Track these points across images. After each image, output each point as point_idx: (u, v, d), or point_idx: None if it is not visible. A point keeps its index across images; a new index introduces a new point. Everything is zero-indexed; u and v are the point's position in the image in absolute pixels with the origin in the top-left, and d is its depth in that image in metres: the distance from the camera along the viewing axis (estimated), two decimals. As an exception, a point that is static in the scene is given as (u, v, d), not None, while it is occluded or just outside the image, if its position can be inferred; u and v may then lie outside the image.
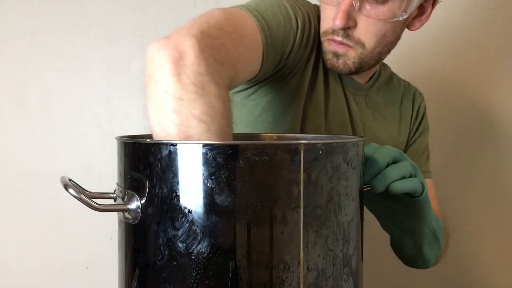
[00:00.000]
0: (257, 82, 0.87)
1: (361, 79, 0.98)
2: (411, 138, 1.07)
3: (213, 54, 0.63)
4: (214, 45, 0.64)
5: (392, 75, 1.07)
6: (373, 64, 0.92)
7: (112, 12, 1.34)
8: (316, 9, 0.90)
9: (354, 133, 0.98)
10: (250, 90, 0.89)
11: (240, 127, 0.91)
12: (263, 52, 0.77)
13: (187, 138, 0.58)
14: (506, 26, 1.45)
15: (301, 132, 0.91)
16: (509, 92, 1.47)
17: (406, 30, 0.94)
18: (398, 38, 0.91)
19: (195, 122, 0.58)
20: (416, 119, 1.07)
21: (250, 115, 0.91)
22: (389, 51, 0.93)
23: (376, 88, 1.02)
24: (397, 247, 0.88)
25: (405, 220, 0.76)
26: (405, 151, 1.06)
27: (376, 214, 0.80)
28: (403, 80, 1.09)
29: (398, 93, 1.05)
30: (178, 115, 0.58)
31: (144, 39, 1.35)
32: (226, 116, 0.61)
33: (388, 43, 0.89)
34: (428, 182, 1.05)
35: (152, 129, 0.61)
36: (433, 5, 0.92)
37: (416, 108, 1.07)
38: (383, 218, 0.81)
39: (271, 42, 0.78)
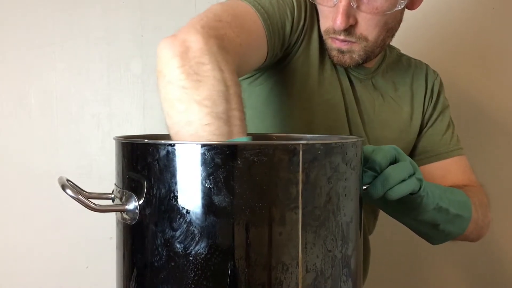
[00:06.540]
0: (265, 66, 0.88)
1: (367, 63, 0.97)
2: (430, 118, 1.04)
3: (217, 43, 0.67)
4: (216, 35, 0.69)
5: (400, 56, 1.06)
6: (379, 51, 0.93)
7: (112, 12, 1.34)
8: None
9: (361, 115, 0.97)
10: (257, 75, 0.91)
11: (249, 112, 0.91)
12: (266, 35, 0.81)
13: (189, 123, 0.61)
14: (506, 26, 1.45)
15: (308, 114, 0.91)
16: (509, 92, 1.47)
17: (408, 18, 0.94)
18: (399, 21, 0.92)
19: (196, 107, 0.61)
20: (431, 97, 1.04)
21: (258, 98, 0.92)
22: (393, 35, 0.93)
23: (382, 71, 1.00)
24: (416, 231, 0.88)
25: (409, 213, 0.77)
26: (423, 132, 1.03)
27: (380, 208, 0.80)
28: (414, 59, 1.07)
29: (408, 72, 1.04)
30: (182, 103, 0.62)
31: (144, 39, 1.35)
32: (230, 99, 0.64)
33: (390, 29, 0.90)
34: (458, 159, 1.03)
35: (166, 121, 0.65)
36: None
37: (430, 86, 1.04)
38: (388, 212, 0.81)
39: (271, 23, 0.81)
